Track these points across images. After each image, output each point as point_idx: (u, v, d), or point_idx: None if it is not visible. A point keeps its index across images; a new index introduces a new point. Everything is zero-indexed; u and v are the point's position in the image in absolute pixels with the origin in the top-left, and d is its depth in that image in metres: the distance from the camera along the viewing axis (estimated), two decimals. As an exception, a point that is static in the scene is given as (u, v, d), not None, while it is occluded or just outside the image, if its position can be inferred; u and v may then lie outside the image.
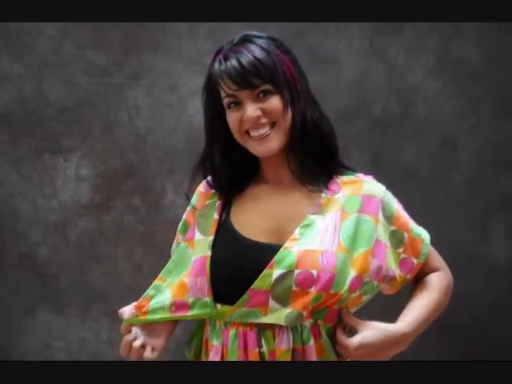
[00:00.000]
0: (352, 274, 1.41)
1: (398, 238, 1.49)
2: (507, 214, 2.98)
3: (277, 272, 1.39)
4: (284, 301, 1.39)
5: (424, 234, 1.54)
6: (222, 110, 1.46)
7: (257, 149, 1.44)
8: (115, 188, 2.69)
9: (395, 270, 1.48)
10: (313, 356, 1.42)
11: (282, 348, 1.40)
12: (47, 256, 2.67)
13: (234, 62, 1.39)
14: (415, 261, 1.51)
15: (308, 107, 1.45)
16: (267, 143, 1.43)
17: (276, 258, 1.40)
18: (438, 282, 1.53)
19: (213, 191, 1.53)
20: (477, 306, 2.97)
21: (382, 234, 1.47)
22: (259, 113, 1.41)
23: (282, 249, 1.40)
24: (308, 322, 1.42)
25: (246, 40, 1.43)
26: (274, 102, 1.41)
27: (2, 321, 2.67)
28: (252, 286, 1.39)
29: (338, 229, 1.43)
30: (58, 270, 2.68)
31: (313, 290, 1.38)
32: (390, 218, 1.49)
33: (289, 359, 1.40)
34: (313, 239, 1.41)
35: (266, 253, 1.40)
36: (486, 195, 2.96)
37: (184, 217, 1.58)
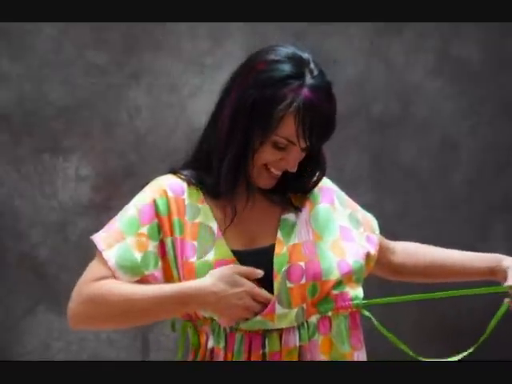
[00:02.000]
0: (335, 259, 1.44)
1: (355, 219, 1.54)
2: (507, 214, 2.99)
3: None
4: (286, 302, 1.39)
5: (368, 213, 1.61)
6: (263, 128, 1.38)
7: (266, 182, 1.43)
8: (115, 188, 2.69)
9: (367, 246, 1.52)
10: (316, 351, 1.42)
11: (289, 346, 1.40)
12: (47, 256, 2.67)
13: (318, 123, 1.36)
14: (374, 236, 1.55)
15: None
16: (274, 181, 1.44)
17: (275, 267, 1.40)
18: (409, 243, 1.68)
19: (183, 197, 1.43)
20: (476, 306, 2.97)
21: (343, 219, 1.52)
22: None
23: (275, 256, 1.41)
24: (314, 318, 1.42)
25: (329, 87, 1.39)
26: (304, 155, 1.43)
27: (2, 321, 2.67)
28: None
29: (309, 220, 1.47)
30: (58, 270, 2.68)
31: (303, 282, 1.39)
32: (343, 204, 1.55)
33: (295, 357, 1.40)
34: (293, 235, 1.44)
35: (247, 259, 1.40)
36: (486, 195, 2.96)
37: (154, 220, 1.42)
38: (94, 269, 1.44)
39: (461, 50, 2.90)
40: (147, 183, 1.53)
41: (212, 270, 1.36)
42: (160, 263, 1.41)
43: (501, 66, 2.93)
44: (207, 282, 1.35)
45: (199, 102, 2.69)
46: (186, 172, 1.47)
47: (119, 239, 1.43)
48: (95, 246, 1.45)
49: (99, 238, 1.45)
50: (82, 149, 2.67)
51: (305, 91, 1.35)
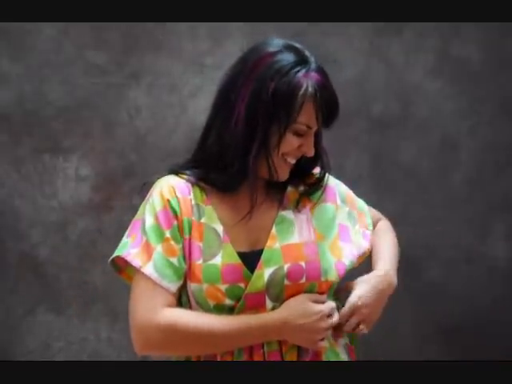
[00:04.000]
0: (334, 259, 1.46)
1: (353, 216, 1.57)
2: (507, 214, 2.98)
3: (268, 271, 1.40)
4: (279, 298, 1.41)
5: (363, 206, 1.64)
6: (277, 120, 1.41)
7: (284, 174, 1.46)
8: (115, 188, 2.69)
9: (363, 244, 1.56)
10: None
11: (288, 343, 1.42)
12: (47, 256, 2.67)
13: (332, 101, 1.42)
14: (368, 232, 1.59)
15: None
16: (289, 171, 1.47)
17: (263, 258, 1.41)
18: (386, 226, 1.67)
19: (189, 197, 1.44)
20: (476, 306, 2.97)
21: (343, 217, 1.55)
22: None
23: (265, 248, 1.42)
24: None
25: (326, 72, 1.44)
26: None
27: (3, 321, 2.67)
28: (246, 291, 1.40)
29: (310, 219, 1.49)
30: (58, 270, 2.68)
31: (303, 281, 1.41)
32: (344, 201, 1.57)
33: (295, 353, 1.43)
34: (291, 234, 1.45)
35: (252, 261, 1.41)
36: (486, 195, 2.96)
37: (174, 223, 1.42)
38: (147, 292, 1.40)
39: (461, 50, 2.89)
40: (150, 185, 1.51)
41: (286, 302, 1.40)
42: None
43: (501, 66, 2.93)
44: (287, 314, 1.39)
45: (199, 102, 2.69)
46: (187, 172, 1.47)
47: (150, 251, 1.40)
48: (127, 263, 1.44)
49: (132, 256, 1.41)
50: (82, 149, 2.67)
51: (313, 74, 1.40)
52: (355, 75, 2.82)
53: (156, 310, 1.37)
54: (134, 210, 1.51)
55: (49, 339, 2.70)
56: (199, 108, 2.68)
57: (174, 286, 1.40)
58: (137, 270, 1.40)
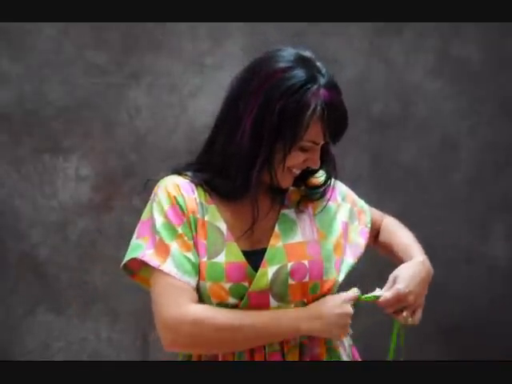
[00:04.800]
0: (335, 259, 1.48)
1: (353, 213, 1.59)
2: (507, 214, 2.99)
3: (271, 269, 1.41)
4: (283, 297, 1.41)
5: (363, 204, 1.65)
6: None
7: (287, 183, 1.47)
8: (115, 188, 2.69)
9: (360, 241, 1.57)
10: (318, 345, 1.46)
11: (290, 344, 1.43)
12: (47, 256, 2.67)
13: (340, 119, 1.42)
14: (366, 229, 1.60)
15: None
16: (293, 179, 1.48)
17: (266, 256, 1.42)
18: (396, 222, 1.71)
19: (194, 196, 1.44)
20: (476, 306, 2.97)
21: (345, 214, 1.56)
22: None
23: (269, 247, 1.43)
24: None
25: (333, 78, 1.43)
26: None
27: (3, 321, 2.67)
28: (250, 289, 1.40)
29: (313, 218, 1.50)
30: (58, 270, 2.68)
31: (307, 280, 1.42)
32: (344, 199, 1.59)
33: (296, 354, 1.44)
34: (294, 233, 1.46)
35: (255, 259, 1.42)
36: (486, 195, 2.96)
37: (184, 219, 1.42)
38: (170, 289, 1.40)
39: (461, 50, 2.90)
40: (151, 183, 1.51)
41: (323, 300, 1.43)
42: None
43: (501, 66, 2.93)
44: (323, 311, 1.41)
45: (199, 102, 2.69)
46: (189, 173, 1.48)
47: (166, 249, 1.41)
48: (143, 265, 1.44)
49: (148, 257, 1.41)
50: (82, 149, 2.67)
51: (323, 92, 1.39)
52: (355, 75, 2.82)
53: (184, 306, 1.37)
54: (134, 209, 1.51)
55: (49, 339, 2.70)
56: (199, 108, 2.69)
57: (193, 281, 1.40)
58: (156, 270, 1.40)
